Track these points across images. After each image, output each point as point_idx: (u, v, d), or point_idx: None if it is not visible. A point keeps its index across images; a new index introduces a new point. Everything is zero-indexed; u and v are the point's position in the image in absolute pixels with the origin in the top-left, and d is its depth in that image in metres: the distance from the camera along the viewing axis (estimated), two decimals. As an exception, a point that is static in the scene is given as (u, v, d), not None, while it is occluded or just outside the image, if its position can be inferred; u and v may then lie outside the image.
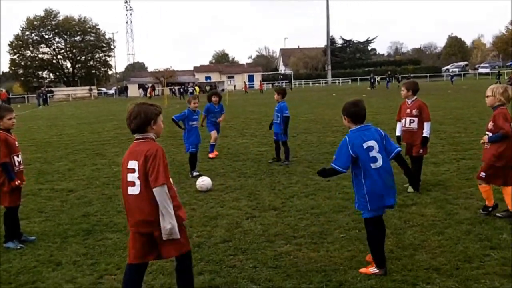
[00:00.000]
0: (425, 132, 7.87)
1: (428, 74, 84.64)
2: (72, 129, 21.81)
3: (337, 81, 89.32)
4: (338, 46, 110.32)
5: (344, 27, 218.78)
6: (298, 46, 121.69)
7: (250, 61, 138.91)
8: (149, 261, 4.12)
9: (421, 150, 7.95)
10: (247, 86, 75.34)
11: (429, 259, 5.10)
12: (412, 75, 72.57)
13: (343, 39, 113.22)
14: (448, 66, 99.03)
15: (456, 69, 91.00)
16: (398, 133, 8.33)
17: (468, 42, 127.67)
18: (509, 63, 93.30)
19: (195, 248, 5.68)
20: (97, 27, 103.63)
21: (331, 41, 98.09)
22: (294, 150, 12.43)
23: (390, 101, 31.15)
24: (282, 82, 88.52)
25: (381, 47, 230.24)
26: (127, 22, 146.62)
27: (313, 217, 6.72)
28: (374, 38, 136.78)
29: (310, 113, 23.91)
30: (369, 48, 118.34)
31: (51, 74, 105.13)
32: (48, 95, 62.18)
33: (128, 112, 3.93)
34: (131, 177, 3.85)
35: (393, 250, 5.39)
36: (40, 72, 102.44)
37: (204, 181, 8.59)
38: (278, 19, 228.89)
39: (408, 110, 8.02)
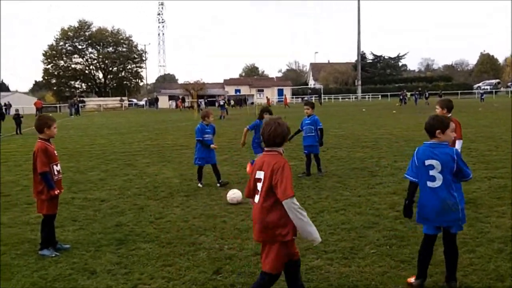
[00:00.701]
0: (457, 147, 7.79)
1: (459, 91, 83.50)
2: (103, 139, 22.21)
3: (367, 96, 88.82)
4: (368, 61, 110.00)
5: (375, 42, 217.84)
6: (329, 61, 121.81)
7: (280, 75, 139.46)
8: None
9: None
10: (287, 99, 74.59)
11: (461, 276, 5.04)
12: (442, 92, 71.73)
13: (374, 55, 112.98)
14: (480, 84, 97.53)
15: (488, 87, 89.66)
16: None
17: (501, 59, 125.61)
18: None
19: (227, 260, 5.72)
20: (130, 38, 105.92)
21: (362, 56, 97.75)
22: (324, 165, 12.39)
23: (419, 117, 30.79)
24: (312, 97, 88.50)
25: (412, 63, 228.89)
26: (159, 34, 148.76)
27: (343, 232, 6.70)
28: (405, 54, 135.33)
29: (339, 128, 23.83)
30: (400, 64, 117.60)
31: (83, 84, 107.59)
32: (80, 105, 63.49)
33: (268, 125, 4.19)
34: (258, 186, 4.15)
35: (426, 267, 5.33)
36: (72, 82, 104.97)
37: (235, 194, 8.65)
38: (308, 34, 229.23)
39: None
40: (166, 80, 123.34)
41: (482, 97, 60.69)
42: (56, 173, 6.19)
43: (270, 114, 10.58)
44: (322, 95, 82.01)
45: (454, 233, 4.75)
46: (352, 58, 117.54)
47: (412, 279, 4.84)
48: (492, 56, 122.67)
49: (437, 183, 4.61)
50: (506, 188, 9.08)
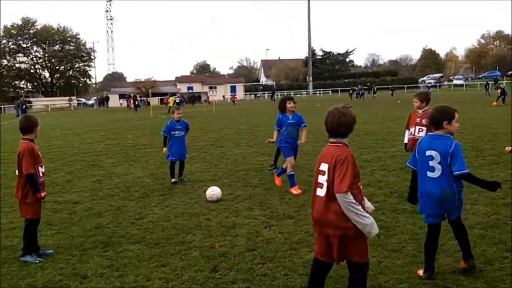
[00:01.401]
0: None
1: (405, 86, 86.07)
2: (59, 140, 21.49)
3: (318, 92, 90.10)
4: (318, 57, 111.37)
5: (324, 39, 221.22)
6: (279, 57, 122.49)
7: (231, 71, 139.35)
8: (328, 262, 4.13)
9: None
10: (235, 97, 75.18)
11: (453, 262, 5.21)
12: (394, 86, 73.86)
13: (323, 51, 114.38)
14: (425, 78, 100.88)
15: (432, 81, 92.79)
16: (406, 140, 8.65)
17: (442, 54, 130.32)
18: (481, 75, 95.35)
19: (221, 257, 5.66)
20: (78, 36, 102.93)
21: (312, 52, 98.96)
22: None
23: (372, 111, 31.62)
24: (264, 93, 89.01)
25: (359, 59, 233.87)
26: (107, 32, 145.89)
27: (331, 226, 6.74)
28: (353, 50, 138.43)
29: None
30: (347, 60, 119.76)
31: (28, 84, 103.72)
32: (26, 105, 61.21)
33: (331, 115, 3.98)
34: (321, 179, 3.95)
35: (416, 255, 5.49)
36: (17, 82, 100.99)
37: (214, 191, 8.56)
38: (259, 30, 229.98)
39: (418, 119, 8.24)
40: (116, 79, 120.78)
41: (430, 90, 62.72)
42: (41, 175, 5.93)
43: (293, 102, 9.38)
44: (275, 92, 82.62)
45: (454, 219, 4.86)
46: (302, 54, 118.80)
47: (420, 272, 4.90)
48: (434, 51, 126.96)
49: (436, 173, 4.69)
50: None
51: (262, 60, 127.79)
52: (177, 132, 10.39)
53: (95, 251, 6.13)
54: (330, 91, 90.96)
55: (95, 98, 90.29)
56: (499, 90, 34.14)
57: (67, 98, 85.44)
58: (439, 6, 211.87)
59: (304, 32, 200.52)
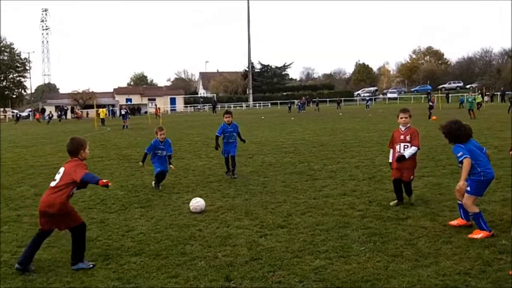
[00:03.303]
0: (407, 152, 8.24)
1: (342, 98, 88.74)
2: (8, 152, 20.58)
3: (257, 104, 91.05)
4: (256, 70, 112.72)
5: (261, 52, 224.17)
6: (218, 70, 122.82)
7: (169, 83, 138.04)
8: None
9: (412, 176, 8.45)
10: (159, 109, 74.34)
11: (454, 265, 5.50)
12: (328, 99, 76.10)
13: (262, 64, 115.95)
14: (359, 91, 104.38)
15: (367, 94, 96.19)
16: (390, 159, 8.71)
17: (375, 68, 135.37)
18: (413, 89, 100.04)
19: (229, 267, 5.73)
20: (12, 46, 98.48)
21: (251, 65, 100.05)
22: (260, 170, 12.81)
23: (320, 123, 32.49)
24: (204, 106, 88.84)
25: (295, 73, 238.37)
26: (43, 42, 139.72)
27: (324, 233, 6.97)
28: (291, 63, 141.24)
29: (253, 136, 24.24)
30: (284, 73, 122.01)
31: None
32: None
33: None
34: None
35: (417, 259, 5.74)
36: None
37: (198, 203, 8.59)
38: (197, 43, 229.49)
39: (402, 137, 8.32)
40: (51, 90, 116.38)
41: (367, 103, 64.90)
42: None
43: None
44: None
45: None
46: (241, 67, 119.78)
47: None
48: (367, 65, 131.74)
49: None
50: (440, 185, 9.96)
51: (200, 73, 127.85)
52: (159, 151, 11.02)
53: (98, 264, 6.01)
54: (269, 104, 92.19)
55: (30, 109, 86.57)
56: (430, 103, 35.49)
57: (2, 109, 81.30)
58: (371, 21, 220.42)
59: (242, 45, 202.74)
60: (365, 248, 6.22)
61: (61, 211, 5.83)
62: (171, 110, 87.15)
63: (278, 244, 6.54)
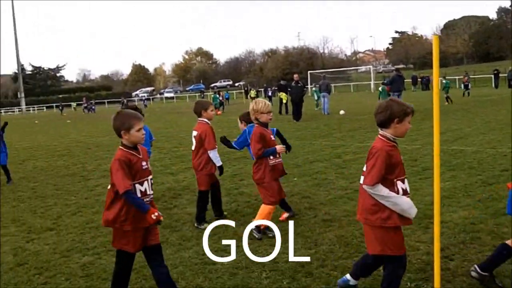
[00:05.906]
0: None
1: (121, 99, 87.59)
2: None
3: (31, 108, 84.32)
4: (28, 73, 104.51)
5: (32, 53, 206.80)
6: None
7: None
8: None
9: None
10: None
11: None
12: (107, 100, 74.35)
13: (33, 66, 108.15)
14: (137, 92, 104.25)
15: (145, 94, 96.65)
16: None
17: (151, 69, 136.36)
18: (188, 88, 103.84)
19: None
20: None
21: (21, 68, 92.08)
22: (31, 175, 12.24)
23: (98, 125, 31.81)
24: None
25: (71, 74, 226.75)
26: None
27: (94, 231, 6.99)
28: (64, 65, 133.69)
29: (24, 141, 22.88)
30: (58, 75, 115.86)
31: None
32: None
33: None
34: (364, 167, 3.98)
35: (181, 243, 6.24)
36: None
37: None
38: None
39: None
40: None
41: (145, 103, 65.36)
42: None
43: None
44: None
45: None
46: (9, 70, 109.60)
47: None
48: (144, 66, 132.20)
49: None
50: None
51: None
52: None
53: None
54: (44, 107, 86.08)
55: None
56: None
57: None
58: (144, 23, 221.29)
59: (9, 46, 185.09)
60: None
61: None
62: None
63: (45, 247, 6.41)
